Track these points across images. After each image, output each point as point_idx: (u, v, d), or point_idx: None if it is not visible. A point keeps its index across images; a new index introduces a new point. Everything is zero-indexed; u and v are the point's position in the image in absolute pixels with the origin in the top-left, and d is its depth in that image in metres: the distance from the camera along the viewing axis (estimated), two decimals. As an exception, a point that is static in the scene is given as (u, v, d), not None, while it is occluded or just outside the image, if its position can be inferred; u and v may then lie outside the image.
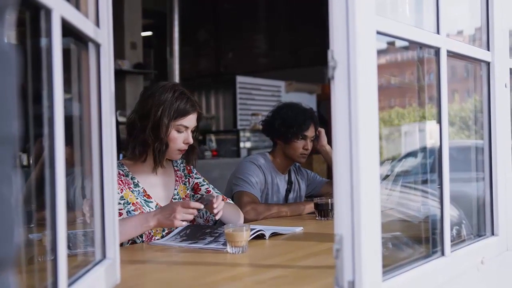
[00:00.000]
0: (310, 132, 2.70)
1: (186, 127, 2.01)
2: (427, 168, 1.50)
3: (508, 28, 1.68)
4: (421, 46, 1.40)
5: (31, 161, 1.51)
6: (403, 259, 1.28)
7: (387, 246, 1.24)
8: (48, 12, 0.89)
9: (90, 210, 1.23)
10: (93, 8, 1.21)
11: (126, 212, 1.93)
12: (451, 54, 1.42)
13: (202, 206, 1.83)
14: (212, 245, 1.75)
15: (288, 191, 2.79)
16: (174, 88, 2.01)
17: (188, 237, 1.87)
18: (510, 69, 1.69)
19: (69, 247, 0.99)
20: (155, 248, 1.83)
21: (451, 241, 1.37)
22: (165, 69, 6.88)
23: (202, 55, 9.69)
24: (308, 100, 6.90)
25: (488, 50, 1.62)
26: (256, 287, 1.33)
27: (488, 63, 1.62)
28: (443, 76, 1.36)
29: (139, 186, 2.02)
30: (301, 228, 2.12)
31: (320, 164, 5.38)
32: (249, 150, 7.15)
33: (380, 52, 1.11)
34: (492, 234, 1.62)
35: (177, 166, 2.18)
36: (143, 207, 1.98)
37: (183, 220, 1.80)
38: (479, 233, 1.64)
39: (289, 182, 2.81)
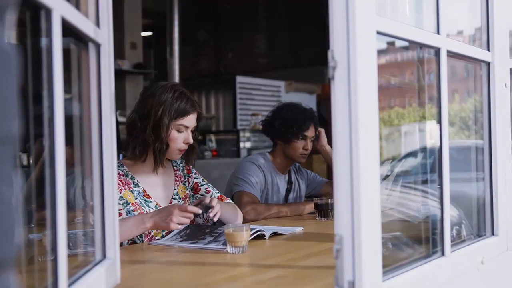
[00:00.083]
0: (310, 132, 2.70)
1: (186, 127, 2.01)
2: (427, 168, 1.50)
3: (508, 28, 1.68)
4: (421, 46, 1.40)
5: (31, 161, 1.51)
6: (403, 259, 1.28)
7: (387, 246, 1.24)
8: (48, 12, 0.89)
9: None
10: (93, 8, 1.21)
11: (126, 212, 1.93)
12: (451, 54, 1.42)
13: (200, 211, 1.83)
14: (212, 245, 1.75)
15: (288, 191, 2.79)
16: (174, 88, 2.01)
17: (188, 237, 1.87)
18: (510, 69, 1.69)
19: (69, 247, 0.99)
20: (155, 248, 1.83)
21: (451, 241, 1.37)
22: (165, 69, 6.89)
23: (202, 55, 9.70)
24: (308, 100, 6.90)
25: (488, 50, 1.62)
26: (256, 287, 1.33)
27: (488, 63, 1.62)
28: (443, 76, 1.36)
29: (138, 186, 2.02)
30: (301, 228, 2.12)
31: (320, 164, 5.39)
32: (249, 150, 7.14)
33: (380, 52, 1.11)
34: (492, 234, 1.62)
35: (176, 166, 2.18)
36: (143, 207, 1.98)
37: (179, 224, 1.79)
38: (479, 233, 1.64)
39: (289, 182, 2.80)
